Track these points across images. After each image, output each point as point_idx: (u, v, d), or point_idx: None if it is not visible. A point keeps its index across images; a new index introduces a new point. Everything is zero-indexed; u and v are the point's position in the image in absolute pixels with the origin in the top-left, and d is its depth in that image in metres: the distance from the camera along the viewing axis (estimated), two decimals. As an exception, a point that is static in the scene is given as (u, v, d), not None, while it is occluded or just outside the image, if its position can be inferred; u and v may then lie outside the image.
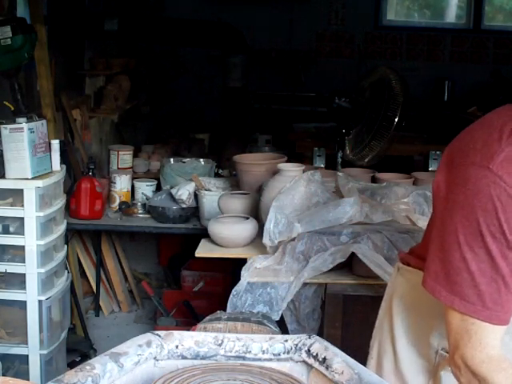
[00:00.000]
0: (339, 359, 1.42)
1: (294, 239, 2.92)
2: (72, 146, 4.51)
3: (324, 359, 1.44)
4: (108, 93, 5.35)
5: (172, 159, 4.32)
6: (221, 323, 2.53)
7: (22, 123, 3.21)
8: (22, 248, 3.24)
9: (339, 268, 2.88)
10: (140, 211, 3.99)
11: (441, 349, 1.68)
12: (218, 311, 2.69)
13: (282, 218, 2.90)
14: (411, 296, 1.76)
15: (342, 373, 1.39)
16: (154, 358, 1.49)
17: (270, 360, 1.47)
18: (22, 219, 3.23)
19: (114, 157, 4.34)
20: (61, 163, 3.48)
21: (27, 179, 3.22)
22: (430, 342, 1.71)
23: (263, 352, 1.51)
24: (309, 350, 1.47)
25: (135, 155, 4.63)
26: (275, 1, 7.95)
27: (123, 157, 4.35)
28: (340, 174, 3.46)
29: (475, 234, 1.45)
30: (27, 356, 3.30)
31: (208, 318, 2.64)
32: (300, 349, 1.49)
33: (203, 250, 3.26)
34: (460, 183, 1.48)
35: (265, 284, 2.87)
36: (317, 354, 1.45)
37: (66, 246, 3.65)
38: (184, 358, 1.51)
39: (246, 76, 5.50)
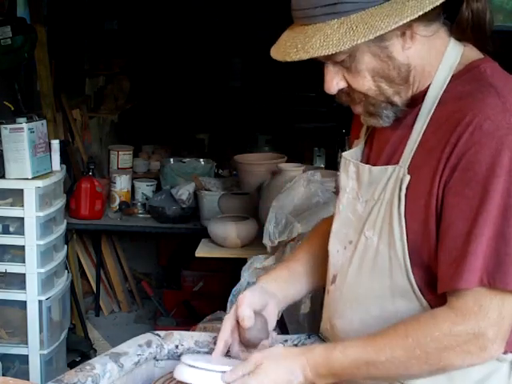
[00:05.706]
0: (339, 359, 1.41)
1: (293, 239, 2.91)
2: (72, 146, 4.50)
3: (324, 359, 1.43)
4: (108, 93, 5.34)
5: (172, 159, 4.32)
6: (221, 323, 2.53)
7: (22, 123, 3.21)
8: (22, 248, 3.24)
9: (339, 268, 2.86)
10: (140, 211, 3.99)
11: None
12: (218, 311, 2.69)
13: (282, 218, 2.89)
14: None
15: (342, 373, 1.39)
16: (154, 358, 1.49)
17: (270, 360, 1.47)
18: (22, 219, 3.22)
19: (114, 157, 4.34)
20: (61, 163, 3.48)
21: (27, 179, 3.22)
22: None
23: (263, 352, 1.51)
24: (309, 350, 1.47)
25: (135, 155, 4.62)
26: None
27: (123, 157, 4.35)
28: (340, 173, 3.45)
29: None
30: (27, 356, 3.29)
31: (208, 318, 2.64)
32: (300, 349, 1.48)
33: (203, 250, 3.26)
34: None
35: (265, 284, 2.86)
36: (317, 354, 1.45)
37: (65, 246, 3.64)
38: (184, 357, 1.51)
39: (246, 76, 5.49)
